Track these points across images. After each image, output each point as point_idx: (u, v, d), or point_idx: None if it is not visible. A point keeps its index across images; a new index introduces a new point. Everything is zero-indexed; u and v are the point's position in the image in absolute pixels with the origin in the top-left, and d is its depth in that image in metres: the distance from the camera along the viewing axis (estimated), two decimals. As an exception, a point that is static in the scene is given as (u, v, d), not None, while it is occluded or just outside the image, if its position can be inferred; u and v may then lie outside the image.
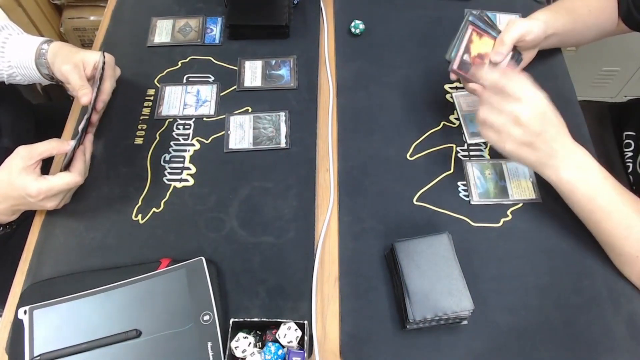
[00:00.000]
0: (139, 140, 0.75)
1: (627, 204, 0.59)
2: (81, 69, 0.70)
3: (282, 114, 0.77)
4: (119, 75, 0.78)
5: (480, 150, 0.74)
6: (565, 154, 0.59)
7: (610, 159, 0.88)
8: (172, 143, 0.75)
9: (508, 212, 0.68)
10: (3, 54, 0.72)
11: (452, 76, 0.68)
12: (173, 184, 0.71)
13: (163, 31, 0.87)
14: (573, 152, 0.60)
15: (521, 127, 0.58)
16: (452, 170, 0.72)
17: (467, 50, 0.66)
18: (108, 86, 0.72)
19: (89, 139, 0.69)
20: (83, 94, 0.67)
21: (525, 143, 0.59)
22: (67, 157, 0.63)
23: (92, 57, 0.71)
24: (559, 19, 0.73)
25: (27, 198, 0.61)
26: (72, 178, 0.62)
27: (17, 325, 0.59)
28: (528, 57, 0.75)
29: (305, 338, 0.55)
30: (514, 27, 0.66)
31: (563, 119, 0.60)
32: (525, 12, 0.88)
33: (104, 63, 0.70)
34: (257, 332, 0.58)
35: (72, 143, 0.63)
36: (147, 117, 0.78)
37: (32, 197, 0.60)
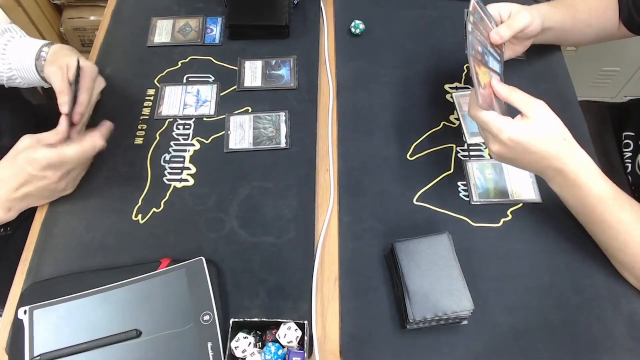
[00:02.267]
0: (139, 140, 0.75)
1: (624, 218, 0.57)
2: (64, 72, 0.67)
3: (282, 114, 0.77)
4: (104, 86, 0.75)
5: (480, 150, 0.74)
6: (552, 175, 0.59)
7: (610, 159, 0.88)
8: (172, 143, 0.75)
9: (508, 212, 0.68)
10: (4, 56, 0.72)
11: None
12: (173, 184, 0.71)
13: (163, 31, 0.87)
14: (560, 171, 0.58)
15: (497, 155, 0.60)
16: (452, 170, 0.72)
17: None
18: (84, 98, 0.68)
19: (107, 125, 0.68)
20: (62, 102, 0.65)
21: (508, 162, 0.61)
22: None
23: (75, 63, 0.68)
24: (557, 13, 0.73)
25: (27, 168, 0.60)
26: (86, 145, 0.62)
27: (17, 325, 0.59)
28: (522, 47, 0.74)
29: (305, 338, 0.55)
30: (520, 18, 0.66)
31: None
32: (525, 12, 0.88)
33: (78, 72, 0.67)
34: (257, 332, 0.58)
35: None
36: (147, 117, 0.78)
37: (35, 166, 0.59)
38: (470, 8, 0.61)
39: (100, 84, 0.74)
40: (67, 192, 0.67)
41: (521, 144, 0.56)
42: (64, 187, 0.65)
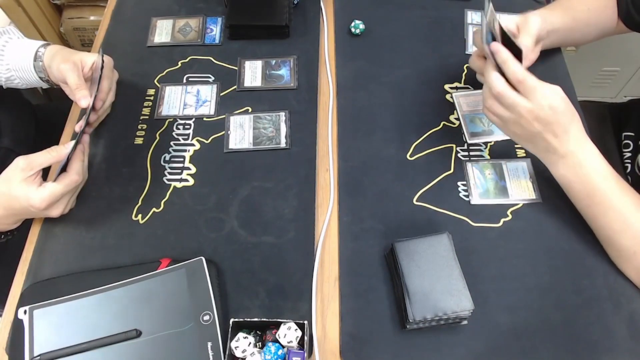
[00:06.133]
0: (139, 140, 0.75)
1: (626, 201, 0.59)
2: (79, 69, 0.69)
3: (282, 114, 0.77)
4: (117, 78, 0.78)
5: (480, 150, 0.74)
6: (565, 151, 0.60)
7: (610, 160, 0.88)
8: (172, 143, 0.75)
9: (508, 212, 0.68)
10: (2, 57, 0.72)
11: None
12: (173, 183, 0.71)
13: (163, 31, 0.87)
14: (575, 150, 0.60)
15: (522, 125, 0.60)
16: (452, 170, 0.72)
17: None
18: (105, 85, 0.72)
19: (86, 139, 0.68)
20: (81, 96, 0.67)
21: (524, 137, 0.62)
22: (63, 160, 0.62)
23: (90, 58, 0.71)
24: (557, 16, 0.73)
25: (30, 209, 0.60)
26: (71, 178, 0.62)
27: (17, 325, 0.59)
28: (532, 57, 0.74)
29: (305, 338, 0.55)
30: (532, 22, 0.65)
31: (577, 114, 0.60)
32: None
33: (102, 62, 0.70)
34: (257, 332, 0.58)
35: (70, 145, 0.62)
36: (147, 117, 0.78)
37: (35, 208, 0.60)
38: (488, 18, 0.61)
39: (116, 74, 0.77)
40: (66, 211, 0.66)
41: (550, 106, 0.57)
42: (61, 211, 0.64)
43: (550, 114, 0.58)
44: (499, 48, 0.59)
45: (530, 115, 0.58)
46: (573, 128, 0.60)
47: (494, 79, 0.60)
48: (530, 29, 0.65)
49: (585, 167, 0.60)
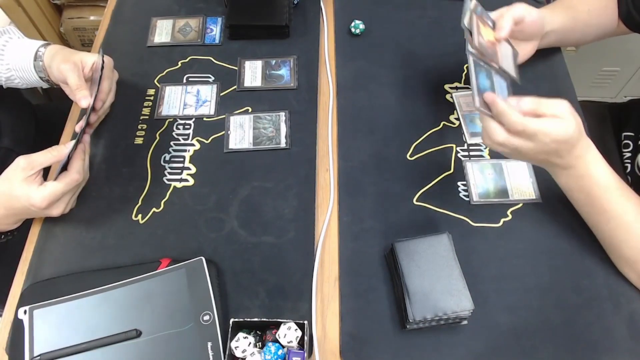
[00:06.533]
0: (139, 140, 0.75)
1: (629, 210, 0.58)
2: (80, 69, 0.69)
3: (282, 114, 0.77)
4: (117, 78, 0.78)
5: (480, 150, 0.74)
6: (568, 165, 0.59)
7: (610, 160, 0.88)
8: (172, 143, 0.75)
9: (508, 212, 0.68)
10: (2, 57, 0.72)
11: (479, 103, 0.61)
12: (173, 184, 0.71)
13: (163, 31, 0.88)
14: (578, 164, 0.58)
15: (526, 156, 0.58)
16: (452, 170, 0.72)
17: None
18: (106, 86, 0.72)
19: (87, 139, 0.68)
20: (82, 96, 0.67)
21: (528, 162, 0.64)
22: (63, 160, 0.62)
23: (91, 58, 0.71)
24: (557, 15, 0.73)
25: (31, 208, 0.60)
26: (71, 177, 0.62)
27: (17, 325, 0.59)
28: (527, 51, 0.74)
29: (305, 338, 0.55)
30: (514, 8, 0.65)
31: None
32: (525, 12, 0.88)
33: (102, 62, 0.70)
34: (257, 332, 0.58)
35: (71, 145, 0.62)
36: (147, 117, 0.78)
37: (36, 207, 0.60)
38: (472, 5, 0.61)
39: (116, 75, 0.77)
40: (67, 210, 0.66)
41: (552, 142, 0.55)
42: (62, 210, 0.64)
43: (554, 146, 0.56)
44: (493, 99, 0.56)
45: (534, 152, 0.57)
46: (577, 147, 0.57)
47: (494, 130, 0.57)
48: (509, 11, 0.65)
49: (588, 178, 0.59)
